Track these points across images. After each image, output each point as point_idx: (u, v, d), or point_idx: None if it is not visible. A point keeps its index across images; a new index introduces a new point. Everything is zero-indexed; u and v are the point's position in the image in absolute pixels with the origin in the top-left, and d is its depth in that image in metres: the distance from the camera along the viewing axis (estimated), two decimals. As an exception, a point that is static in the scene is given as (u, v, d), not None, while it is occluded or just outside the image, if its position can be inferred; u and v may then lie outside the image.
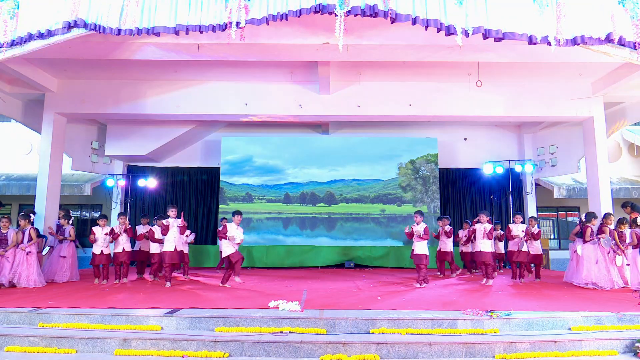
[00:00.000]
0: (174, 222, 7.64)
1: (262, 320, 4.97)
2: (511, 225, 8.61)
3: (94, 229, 8.05)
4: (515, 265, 8.44)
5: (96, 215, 15.76)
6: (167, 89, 9.86)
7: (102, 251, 7.96)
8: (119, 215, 8.33)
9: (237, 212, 7.51)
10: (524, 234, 8.33)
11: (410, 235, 7.82)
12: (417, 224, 7.71)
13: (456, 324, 4.95)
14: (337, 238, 12.03)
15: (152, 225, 8.67)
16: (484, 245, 7.98)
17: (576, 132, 11.06)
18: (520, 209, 12.40)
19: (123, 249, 7.97)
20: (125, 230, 8.06)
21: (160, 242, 8.14)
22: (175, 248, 7.66)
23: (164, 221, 7.71)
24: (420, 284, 7.51)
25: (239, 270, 7.52)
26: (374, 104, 9.88)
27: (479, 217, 8.25)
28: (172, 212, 7.70)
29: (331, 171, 12.53)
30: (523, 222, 8.69)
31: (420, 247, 7.57)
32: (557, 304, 5.90)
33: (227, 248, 7.38)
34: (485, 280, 7.94)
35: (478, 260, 8.20)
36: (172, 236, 7.60)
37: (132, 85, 9.83)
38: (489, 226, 8.03)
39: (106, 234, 7.98)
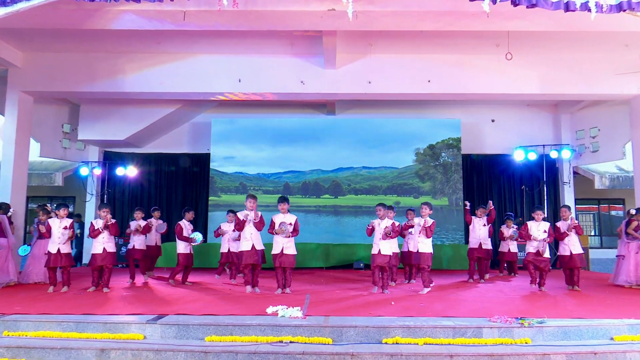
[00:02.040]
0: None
1: (259, 329, 4.99)
2: (530, 224, 7.87)
3: (50, 221, 7.49)
4: (532, 268, 7.83)
5: (69, 208, 15.87)
6: (148, 63, 9.83)
7: (58, 249, 7.37)
8: (101, 206, 7.67)
9: (251, 196, 7.30)
10: (546, 234, 7.67)
11: (405, 229, 7.92)
12: (423, 216, 7.59)
13: (481, 333, 4.95)
14: (344, 235, 12.05)
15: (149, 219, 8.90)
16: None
17: (621, 112, 10.97)
18: (555, 201, 12.36)
19: (104, 249, 7.42)
20: (107, 226, 7.45)
21: (190, 241, 8.28)
22: (254, 246, 7.26)
23: (240, 214, 7.27)
24: (426, 287, 7.47)
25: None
26: (386, 80, 9.81)
27: (535, 214, 7.88)
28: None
29: (338, 158, 12.51)
30: (546, 220, 8.20)
31: (425, 246, 7.52)
32: (597, 310, 5.89)
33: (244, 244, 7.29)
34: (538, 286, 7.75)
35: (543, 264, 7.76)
36: (249, 233, 7.23)
37: (108, 59, 9.80)
38: (546, 225, 7.78)
39: (65, 228, 7.43)
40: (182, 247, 8.39)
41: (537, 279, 7.78)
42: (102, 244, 7.44)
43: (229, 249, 8.85)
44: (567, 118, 12.46)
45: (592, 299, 6.81)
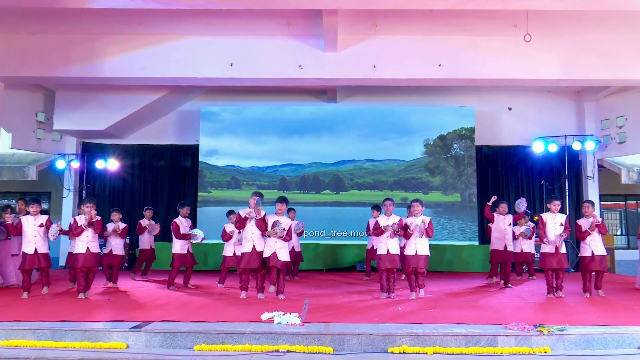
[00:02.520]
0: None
1: (252, 337, 5.01)
2: (546, 216, 7.66)
3: (23, 218, 7.40)
4: (550, 272, 7.61)
5: (44, 204, 15.87)
6: (131, 46, 9.78)
7: (35, 250, 7.30)
8: (85, 201, 7.45)
9: (256, 194, 7.33)
10: (562, 227, 7.51)
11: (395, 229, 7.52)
12: (416, 215, 7.43)
13: (496, 341, 4.97)
14: (346, 235, 12.07)
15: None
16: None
17: (651, 99, 10.98)
18: (578, 197, 12.38)
19: (87, 249, 7.29)
20: (92, 224, 7.29)
21: (186, 238, 8.32)
22: (254, 248, 7.25)
23: (242, 211, 7.29)
24: (417, 294, 7.44)
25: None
26: (393, 65, 9.78)
27: (552, 204, 7.63)
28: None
29: (339, 150, 12.51)
30: (563, 212, 7.93)
31: (425, 247, 7.45)
32: (624, 317, 5.91)
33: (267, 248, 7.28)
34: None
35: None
36: (250, 233, 7.23)
37: (86, 41, 9.76)
38: (562, 216, 7.61)
39: (40, 225, 7.35)
40: (177, 247, 8.41)
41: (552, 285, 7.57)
42: (85, 243, 7.30)
43: (234, 253, 8.52)
44: (591, 106, 12.44)
45: (617, 305, 6.83)
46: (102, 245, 10.95)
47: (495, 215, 8.92)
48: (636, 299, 7.42)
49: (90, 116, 11.74)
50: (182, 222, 8.52)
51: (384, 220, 7.39)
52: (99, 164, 12.37)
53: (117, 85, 11.04)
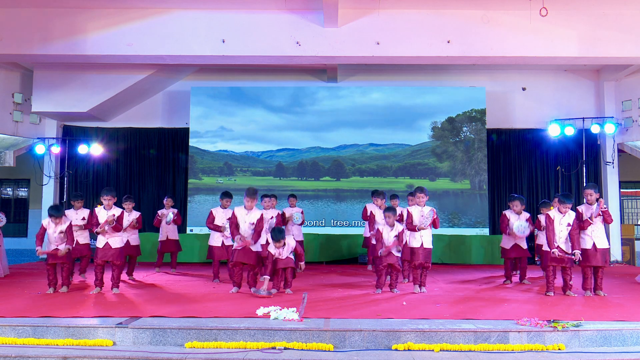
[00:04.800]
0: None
1: (247, 333, 5.04)
2: (552, 214, 7.27)
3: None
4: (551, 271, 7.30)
5: (23, 192, 15.88)
6: (115, 21, 9.73)
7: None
8: (104, 192, 7.43)
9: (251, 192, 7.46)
10: (569, 227, 7.10)
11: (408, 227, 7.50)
12: (420, 205, 7.42)
13: (507, 338, 5.01)
14: (347, 224, 12.11)
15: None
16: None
17: (676, 78, 10.95)
18: (596, 184, 12.37)
19: (107, 243, 7.37)
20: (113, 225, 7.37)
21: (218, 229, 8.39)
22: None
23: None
24: (420, 288, 7.47)
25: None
26: (398, 41, 9.75)
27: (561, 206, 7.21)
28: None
29: (340, 133, 12.49)
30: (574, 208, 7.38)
31: (430, 240, 7.45)
32: (643, 312, 5.95)
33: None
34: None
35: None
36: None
37: (67, 15, 9.70)
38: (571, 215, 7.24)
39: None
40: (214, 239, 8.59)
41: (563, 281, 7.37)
42: (105, 238, 7.37)
43: (222, 243, 8.52)
44: (611, 86, 12.40)
45: (637, 299, 6.86)
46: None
47: (510, 215, 8.43)
48: (657, 292, 7.46)
49: (72, 97, 11.68)
50: (219, 213, 8.53)
51: (417, 213, 7.38)
52: (82, 149, 12.33)
53: (100, 64, 10.97)
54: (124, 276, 8.34)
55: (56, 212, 7.23)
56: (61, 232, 7.22)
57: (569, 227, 7.10)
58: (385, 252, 7.20)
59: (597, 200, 7.24)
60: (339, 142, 12.49)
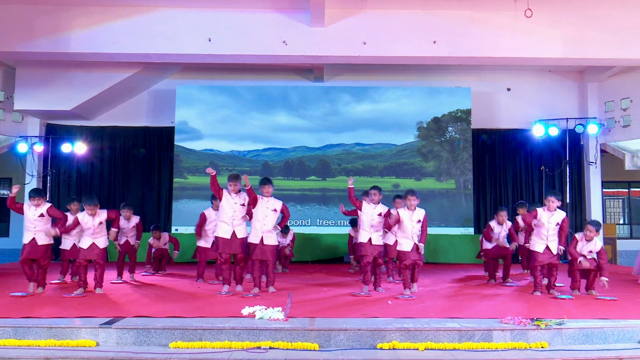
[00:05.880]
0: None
1: (232, 333, 5.02)
2: (540, 211, 7.23)
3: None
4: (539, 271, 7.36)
5: (4, 191, 15.70)
6: (100, 18, 9.68)
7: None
8: (86, 201, 7.20)
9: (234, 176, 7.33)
10: (558, 226, 7.14)
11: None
12: (411, 209, 7.21)
13: (491, 336, 5.04)
14: (333, 224, 12.12)
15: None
16: None
17: (658, 80, 11.09)
18: (580, 184, 12.52)
19: (94, 244, 7.25)
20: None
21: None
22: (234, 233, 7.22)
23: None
24: (411, 289, 7.41)
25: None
26: (385, 41, 9.79)
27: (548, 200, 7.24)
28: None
29: (326, 133, 12.50)
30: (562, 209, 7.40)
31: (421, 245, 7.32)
32: (624, 310, 6.01)
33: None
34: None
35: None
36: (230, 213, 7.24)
37: (51, 12, 9.63)
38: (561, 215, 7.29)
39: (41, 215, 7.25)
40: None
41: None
42: (91, 238, 7.21)
43: (212, 244, 8.27)
44: (594, 87, 12.54)
45: (618, 297, 6.93)
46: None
47: (495, 226, 8.43)
48: (636, 290, 7.54)
49: (55, 95, 11.60)
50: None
51: (408, 217, 7.20)
52: (65, 148, 12.23)
53: (84, 62, 10.90)
54: (126, 276, 8.42)
55: (36, 193, 7.15)
56: (41, 214, 7.09)
57: (557, 227, 7.11)
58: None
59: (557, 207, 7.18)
60: (325, 142, 12.50)
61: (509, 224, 8.50)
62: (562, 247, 7.14)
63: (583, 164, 12.62)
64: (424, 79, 12.76)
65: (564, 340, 5.08)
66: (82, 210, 7.29)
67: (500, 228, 8.41)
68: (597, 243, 7.14)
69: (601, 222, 7.56)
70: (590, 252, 7.05)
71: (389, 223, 7.26)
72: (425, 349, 4.85)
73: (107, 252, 8.08)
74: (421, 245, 7.14)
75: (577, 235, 7.18)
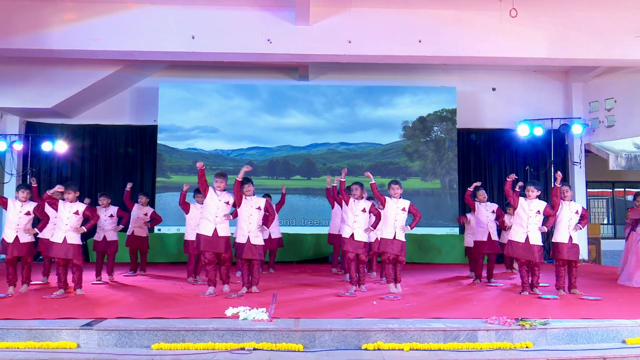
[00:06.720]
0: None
1: (216, 334, 5.00)
2: (521, 201, 7.30)
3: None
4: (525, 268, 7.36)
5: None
6: (81, 14, 9.60)
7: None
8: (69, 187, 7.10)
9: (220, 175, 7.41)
10: (578, 216, 7.28)
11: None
12: (395, 197, 7.45)
13: (476, 336, 5.07)
14: (318, 223, 12.11)
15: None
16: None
17: (642, 81, 11.23)
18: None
19: (65, 239, 7.04)
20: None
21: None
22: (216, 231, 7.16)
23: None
24: (396, 286, 7.40)
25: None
26: (370, 40, 9.81)
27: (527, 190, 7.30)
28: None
29: (311, 132, 12.51)
30: (541, 199, 7.46)
31: (403, 234, 7.40)
32: (608, 310, 6.07)
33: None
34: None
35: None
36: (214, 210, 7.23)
37: (30, 8, 9.53)
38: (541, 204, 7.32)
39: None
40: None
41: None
42: (63, 231, 6.99)
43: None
44: (579, 87, 12.67)
45: (602, 297, 7.00)
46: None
47: (477, 203, 8.48)
48: (619, 291, 7.63)
49: (35, 93, 11.50)
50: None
51: (393, 205, 7.43)
52: (46, 146, 12.12)
53: (65, 59, 10.79)
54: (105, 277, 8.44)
55: (26, 186, 7.16)
56: (28, 212, 7.03)
57: (539, 215, 7.15)
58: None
59: (537, 197, 7.29)
60: (310, 141, 12.50)
61: (492, 205, 8.54)
62: (544, 228, 7.17)
63: (568, 164, 12.76)
64: (409, 78, 12.81)
65: (549, 340, 5.13)
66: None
67: (482, 206, 8.41)
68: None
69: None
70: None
71: (377, 210, 7.44)
72: (410, 350, 4.87)
73: (86, 252, 8.02)
74: (407, 227, 7.33)
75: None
